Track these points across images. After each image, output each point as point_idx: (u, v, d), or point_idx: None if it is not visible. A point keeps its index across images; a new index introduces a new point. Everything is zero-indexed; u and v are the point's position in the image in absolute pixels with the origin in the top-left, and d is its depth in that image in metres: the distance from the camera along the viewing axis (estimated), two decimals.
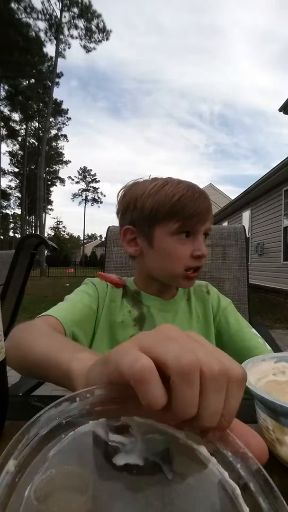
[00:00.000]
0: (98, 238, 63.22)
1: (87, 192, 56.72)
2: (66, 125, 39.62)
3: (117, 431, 0.22)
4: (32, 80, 28.65)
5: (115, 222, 0.75)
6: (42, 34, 25.46)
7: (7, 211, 48.71)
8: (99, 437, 0.22)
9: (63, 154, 44.54)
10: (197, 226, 0.63)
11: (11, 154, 39.88)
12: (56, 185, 47.53)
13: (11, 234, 55.80)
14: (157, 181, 0.65)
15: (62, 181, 47.92)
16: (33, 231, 39.23)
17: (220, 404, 0.21)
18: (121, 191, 0.70)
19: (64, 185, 48.51)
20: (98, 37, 27.00)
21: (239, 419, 0.40)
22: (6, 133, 34.91)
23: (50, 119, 33.27)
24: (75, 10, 25.67)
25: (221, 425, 0.22)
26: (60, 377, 0.35)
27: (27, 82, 28.68)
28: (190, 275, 0.64)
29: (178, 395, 0.20)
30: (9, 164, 41.42)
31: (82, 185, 56.72)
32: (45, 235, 43.32)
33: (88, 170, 56.34)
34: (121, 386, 0.22)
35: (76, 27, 26.37)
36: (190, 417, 0.21)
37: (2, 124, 32.37)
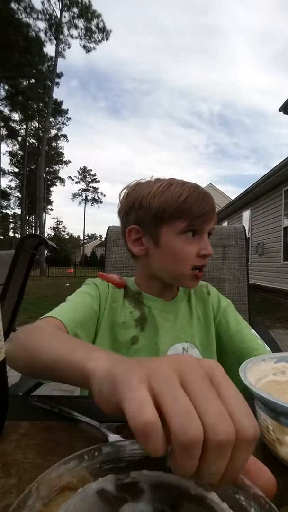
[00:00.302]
0: (98, 238, 63.24)
1: (87, 192, 56.74)
2: (66, 125, 39.66)
3: (125, 487, 0.22)
4: (32, 80, 28.64)
5: (115, 222, 0.75)
6: (42, 34, 25.50)
7: (7, 211, 48.78)
8: (107, 491, 0.22)
9: (63, 154, 44.59)
10: (203, 225, 0.64)
11: (11, 154, 39.90)
12: (56, 185, 47.61)
13: (11, 234, 55.88)
14: (161, 181, 0.66)
15: (62, 181, 47.96)
16: (33, 231, 39.23)
17: (221, 468, 0.21)
18: (124, 191, 0.70)
19: (64, 185, 48.59)
20: (98, 37, 27.03)
21: None
22: (6, 133, 34.91)
23: (50, 119, 33.27)
24: (75, 10, 25.69)
25: (224, 479, 0.21)
26: (74, 377, 0.35)
27: (27, 82, 28.67)
28: (197, 274, 0.65)
29: (177, 461, 0.20)
30: (9, 164, 41.47)
31: (82, 185, 56.81)
32: (45, 235, 43.33)
33: (88, 170, 56.40)
34: (129, 444, 0.23)
35: (76, 27, 26.39)
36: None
37: (2, 124, 32.36)
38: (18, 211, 46.39)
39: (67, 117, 38.45)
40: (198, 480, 0.22)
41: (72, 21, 26.08)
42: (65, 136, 41.19)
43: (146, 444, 0.20)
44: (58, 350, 0.40)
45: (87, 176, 56.18)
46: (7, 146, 38.18)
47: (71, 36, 26.74)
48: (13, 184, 43.63)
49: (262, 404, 0.32)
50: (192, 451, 0.20)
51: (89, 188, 56.79)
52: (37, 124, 36.52)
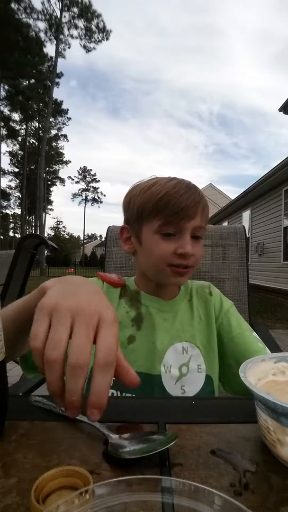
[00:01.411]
0: (98, 238, 63.24)
1: (87, 192, 56.74)
2: (66, 125, 39.68)
3: None
4: (32, 80, 28.65)
5: (115, 222, 0.77)
6: (42, 34, 25.52)
7: (7, 211, 48.83)
8: None
9: (63, 154, 44.59)
10: (181, 223, 0.62)
11: (11, 154, 39.92)
12: (56, 185, 47.63)
13: (11, 234, 55.87)
14: (150, 180, 0.66)
15: (62, 181, 47.99)
16: (33, 231, 39.21)
17: (77, 385, 0.30)
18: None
19: (64, 185, 48.61)
20: (98, 37, 27.05)
21: (240, 418, 0.40)
22: (6, 133, 34.90)
23: (50, 119, 33.29)
24: (75, 10, 25.69)
25: (93, 400, 0.31)
26: (33, 307, 0.39)
27: (27, 82, 28.68)
28: (176, 270, 0.63)
29: (46, 377, 0.32)
30: (9, 164, 41.50)
31: (82, 185, 56.81)
32: (45, 235, 43.32)
33: (88, 170, 56.40)
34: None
35: (76, 27, 26.40)
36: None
37: (2, 124, 32.36)
38: (18, 211, 46.48)
39: (67, 117, 38.53)
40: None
41: (72, 21, 26.11)
42: (65, 136, 41.22)
43: (33, 357, 0.32)
44: (12, 305, 0.46)
45: (87, 176, 56.21)
46: (7, 146, 38.25)
47: (71, 36, 26.78)
48: (13, 184, 43.71)
49: (263, 404, 0.32)
50: (52, 366, 0.30)
51: (89, 188, 56.81)
52: (37, 124, 36.55)
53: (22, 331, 0.46)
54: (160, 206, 0.61)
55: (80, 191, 57.08)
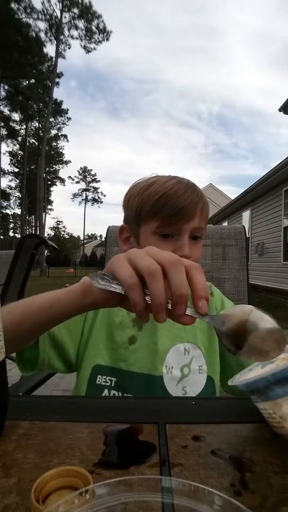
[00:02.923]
0: (98, 238, 63.20)
1: (87, 192, 56.74)
2: (66, 125, 39.67)
3: None
4: (32, 80, 28.65)
5: (115, 222, 0.76)
6: (42, 35, 25.50)
7: (7, 211, 48.83)
8: None
9: (63, 154, 44.58)
10: (178, 224, 0.61)
11: (11, 154, 39.92)
12: (56, 185, 47.62)
13: (11, 234, 55.87)
14: (149, 180, 0.65)
15: (62, 181, 47.99)
16: (33, 231, 39.21)
17: (182, 280, 0.34)
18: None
19: (64, 185, 48.60)
20: (99, 38, 27.04)
21: (240, 418, 0.40)
22: (6, 133, 34.90)
23: (50, 119, 33.27)
24: (75, 10, 25.68)
25: (197, 293, 0.35)
26: (72, 298, 0.44)
27: (27, 82, 28.68)
28: None
29: (151, 289, 0.34)
30: (9, 164, 41.49)
31: (82, 185, 56.80)
32: (45, 235, 43.30)
33: (88, 170, 56.40)
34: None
35: (76, 27, 26.39)
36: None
37: (2, 124, 32.35)
38: (18, 211, 46.47)
39: (67, 117, 38.53)
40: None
41: (72, 21, 26.10)
42: (65, 136, 41.22)
43: (132, 293, 0.35)
44: (52, 292, 0.47)
45: (87, 176, 56.22)
46: (7, 146, 38.24)
47: (72, 37, 26.76)
48: (13, 184, 43.71)
49: (252, 394, 0.32)
50: (155, 275, 0.34)
51: (89, 188, 56.80)
52: (37, 124, 36.57)
53: (51, 323, 0.49)
54: (158, 207, 0.60)
55: (80, 191, 57.11)
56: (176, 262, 0.35)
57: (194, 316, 0.35)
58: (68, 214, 77.79)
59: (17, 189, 43.70)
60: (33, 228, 42.54)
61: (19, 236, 45.93)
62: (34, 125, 36.84)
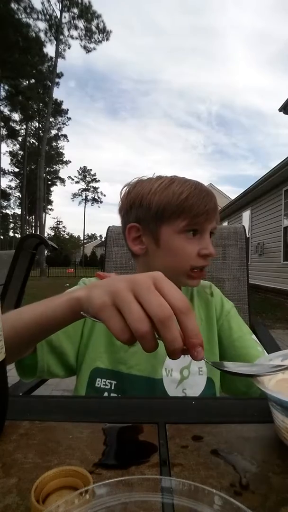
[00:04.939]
0: (98, 238, 63.17)
1: (87, 192, 56.72)
2: (66, 125, 39.68)
3: None
4: (32, 80, 28.64)
5: (115, 222, 0.75)
6: (42, 35, 25.49)
7: (7, 211, 48.82)
8: None
9: (63, 154, 44.58)
10: (204, 224, 0.62)
11: (11, 154, 39.93)
12: (56, 185, 47.62)
13: (11, 234, 55.86)
14: (163, 179, 0.64)
15: (62, 181, 47.98)
16: (33, 231, 39.21)
17: (174, 334, 0.32)
18: (125, 188, 0.68)
19: (64, 185, 48.60)
20: (98, 38, 27.02)
21: (240, 418, 0.40)
22: (6, 133, 34.90)
23: (50, 119, 33.27)
24: (75, 10, 25.67)
25: (190, 342, 0.32)
26: (60, 315, 0.42)
27: (27, 82, 28.66)
28: (194, 274, 0.64)
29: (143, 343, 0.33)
30: (9, 164, 41.50)
31: (82, 185, 56.76)
32: (45, 235, 43.34)
33: (88, 170, 56.38)
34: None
35: (76, 27, 26.38)
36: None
37: (2, 124, 32.35)
38: (18, 211, 46.47)
39: (67, 117, 38.53)
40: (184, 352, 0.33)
41: (72, 21, 26.09)
42: (65, 136, 41.22)
43: (145, 342, 0.32)
44: (38, 306, 0.44)
45: (87, 176, 56.19)
46: (7, 146, 38.25)
47: (71, 37, 26.75)
48: (13, 184, 43.73)
49: (278, 405, 0.32)
50: (147, 336, 0.32)
51: (89, 188, 56.78)
52: (37, 124, 36.56)
53: (42, 336, 0.48)
54: (186, 207, 0.61)
55: (80, 191, 57.08)
56: (187, 309, 0.33)
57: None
58: (68, 214, 78.02)
59: (17, 189, 43.75)
60: (33, 228, 42.55)
61: (19, 236, 45.94)
62: (34, 125, 36.86)
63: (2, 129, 33.25)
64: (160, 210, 0.62)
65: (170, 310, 0.32)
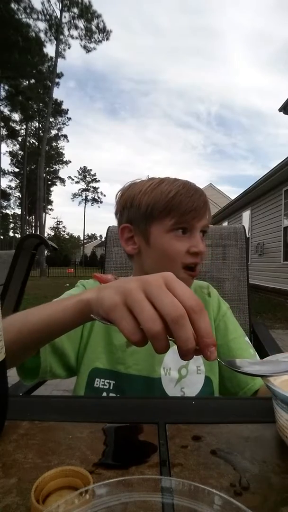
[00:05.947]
0: (98, 238, 63.19)
1: (87, 192, 56.72)
2: (66, 125, 39.68)
3: None
4: (32, 80, 28.63)
5: (115, 222, 0.75)
6: (42, 35, 25.48)
7: (7, 211, 48.83)
8: None
9: (63, 154, 44.58)
10: (193, 222, 0.63)
11: (11, 154, 39.94)
12: (56, 185, 47.62)
13: (11, 234, 55.84)
14: (153, 180, 0.66)
15: (62, 181, 47.98)
16: (33, 231, 39.22)
17: (188, 333, 0.31)
18: (119, 192, 0.70)
19: (64, 185, 48.60)
20: (98, 37, 27.01)
21: (240, 418, 0.40)
22: (6, 133, 34.89)
23: (50, 119, 33.28)
24: (75, 10, 25.66)
25: (203, 342, 0.32)
26: (70, 317, 0.42)
27: (27, 82, 28.66)
28: (189, 273, 0.64)
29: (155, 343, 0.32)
30: (9, 164, 41.53)
31: (82, 185, 56.79)
32: (45, 235, 43.32)
33: (88, 170, 56.38)
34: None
35: (76, 27, 26.37)
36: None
37: (2, 124, 32.35)
38: (18, 211, 46.48)
39: (67, 117, 38.52)
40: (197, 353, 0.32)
41: (72, 21, 26.08)
42: (65, 136, 41.21)
43: (157, 343, 0.32)
44: (44, 309, 0.45)
45: (87, 176, 56.19)
46: (7, 146, 38.27)
47: (71, 37, 26.74)
48: (13, 184, 43.77)
49: (284, 404, 0.32)
50: (159, 337, 0.31)
51: (89, 188, 56.80)
52: (37, 124, 36.57)
53: (49, 339, 0.48)
54: (173, 205, 0.61)
55: (80, 191, 57.13)
56: (200, 308, 0.32)
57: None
58: (68, 214, 77.87)
59: (17, 189, 43.78)
60: (33, 228, 42.56)
61: (19, 236, 45.96)
62: (34, 125, 36.88)
63: (2, 129, 33.26)
64: (149, 210, 0.63)
65: (183, 309, 0.31)
